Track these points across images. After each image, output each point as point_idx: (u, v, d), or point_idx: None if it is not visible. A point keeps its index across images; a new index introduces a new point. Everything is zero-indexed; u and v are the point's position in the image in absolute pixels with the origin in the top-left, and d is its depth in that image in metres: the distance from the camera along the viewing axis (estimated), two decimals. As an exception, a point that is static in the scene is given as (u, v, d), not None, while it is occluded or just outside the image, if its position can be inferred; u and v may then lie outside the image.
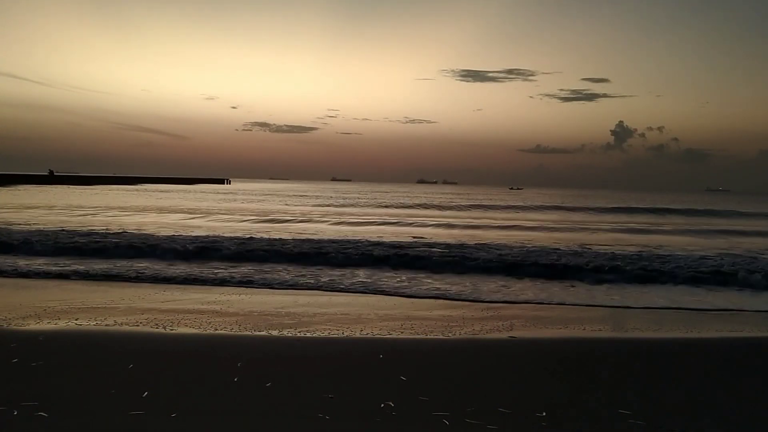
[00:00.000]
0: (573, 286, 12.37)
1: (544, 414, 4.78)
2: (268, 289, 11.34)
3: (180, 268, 13.14)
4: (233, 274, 12.66)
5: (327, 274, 12.95)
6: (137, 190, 73.69)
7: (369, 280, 12.35)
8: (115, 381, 5.32)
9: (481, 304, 10.33)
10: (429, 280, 12.62)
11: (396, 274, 13.31)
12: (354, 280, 12.33)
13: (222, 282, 11.83)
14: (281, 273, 12.99)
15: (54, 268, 12.67)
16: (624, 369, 6.35)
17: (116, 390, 5.07)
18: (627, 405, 5.06)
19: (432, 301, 10.57)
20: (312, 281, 12.17)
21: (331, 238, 19.07)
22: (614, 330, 8.69)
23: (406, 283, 12.14)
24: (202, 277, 12.27)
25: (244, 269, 13.29)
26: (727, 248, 19.34)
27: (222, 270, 13.11)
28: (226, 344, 6.95)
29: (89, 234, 18.16)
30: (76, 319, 8.10)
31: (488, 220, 34.56)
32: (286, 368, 5.92)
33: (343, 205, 49.66)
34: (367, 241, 18.13)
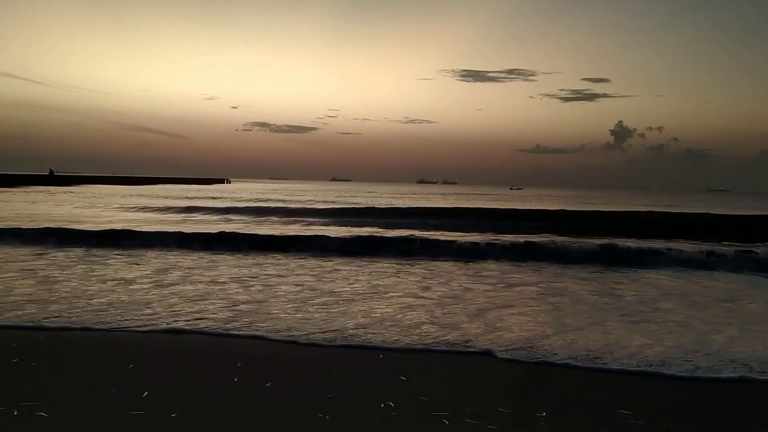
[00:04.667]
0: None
1: (544, 414, 4.78)
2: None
3: None
4: None
5: None
6: (71, 192, 54.21)
7: None
8: (115, 381, 5.32)
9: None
10: None
11: None
12: None
13: None
14: None
15: None
16: (623, 369, 6.34)
17: (116, 390, 5.07)
18: (627, 405, 5.06)
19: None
20: None
21: None
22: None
23: None
24: None
25: None
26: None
27: None
28: (226, 344, 6.95)
29: None
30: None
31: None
32: (286, 368, 5.92)
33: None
34: None
